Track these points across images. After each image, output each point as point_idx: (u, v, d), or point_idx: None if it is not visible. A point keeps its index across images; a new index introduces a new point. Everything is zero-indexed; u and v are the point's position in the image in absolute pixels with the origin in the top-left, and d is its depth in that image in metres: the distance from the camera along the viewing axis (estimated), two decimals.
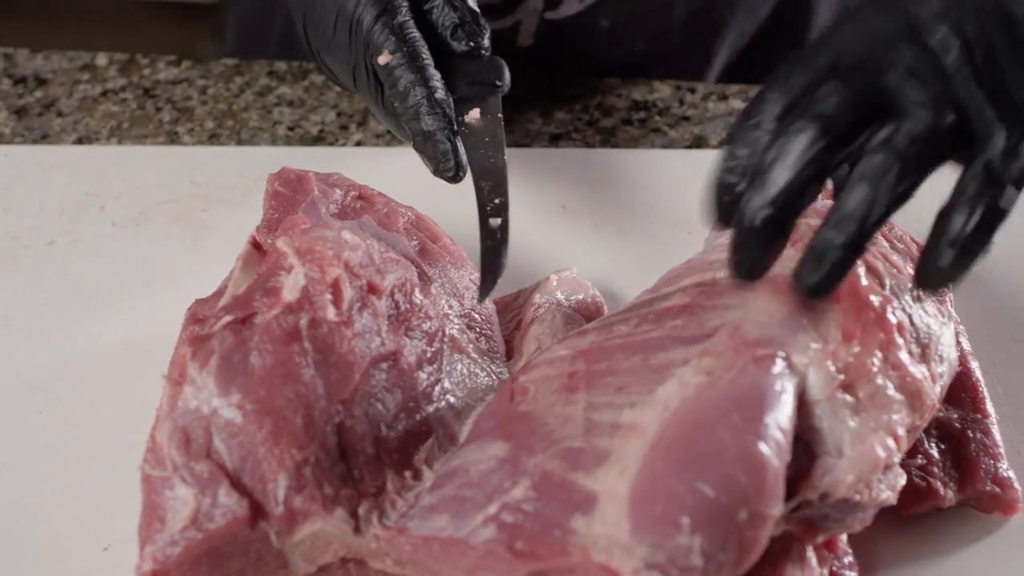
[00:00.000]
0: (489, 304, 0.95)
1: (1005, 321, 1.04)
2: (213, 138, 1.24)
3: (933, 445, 0.89)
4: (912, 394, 0.79)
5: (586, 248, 1.10)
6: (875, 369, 0.78)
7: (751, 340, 0.78)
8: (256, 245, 0.94)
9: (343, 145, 1.23)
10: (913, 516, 0.88)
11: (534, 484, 0.77)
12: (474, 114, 0.98)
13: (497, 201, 0.93)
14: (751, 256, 0.76)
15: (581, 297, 1.00)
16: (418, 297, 0.89)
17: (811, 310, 0.80)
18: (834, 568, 0.83)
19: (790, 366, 0.77)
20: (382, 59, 0.97)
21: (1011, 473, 0.90)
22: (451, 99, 0.98)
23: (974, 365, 0.93)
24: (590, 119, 1.26)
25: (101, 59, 1.32)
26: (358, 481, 0.81)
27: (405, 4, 0.99)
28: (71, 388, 0.99)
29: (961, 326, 0.95)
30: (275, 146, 1.22)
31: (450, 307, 0.92)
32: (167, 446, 0.81)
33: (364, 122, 1.25)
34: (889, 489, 0.78)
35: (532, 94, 1.28)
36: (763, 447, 0.73)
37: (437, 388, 0.87)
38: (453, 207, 1.11)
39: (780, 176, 0.74)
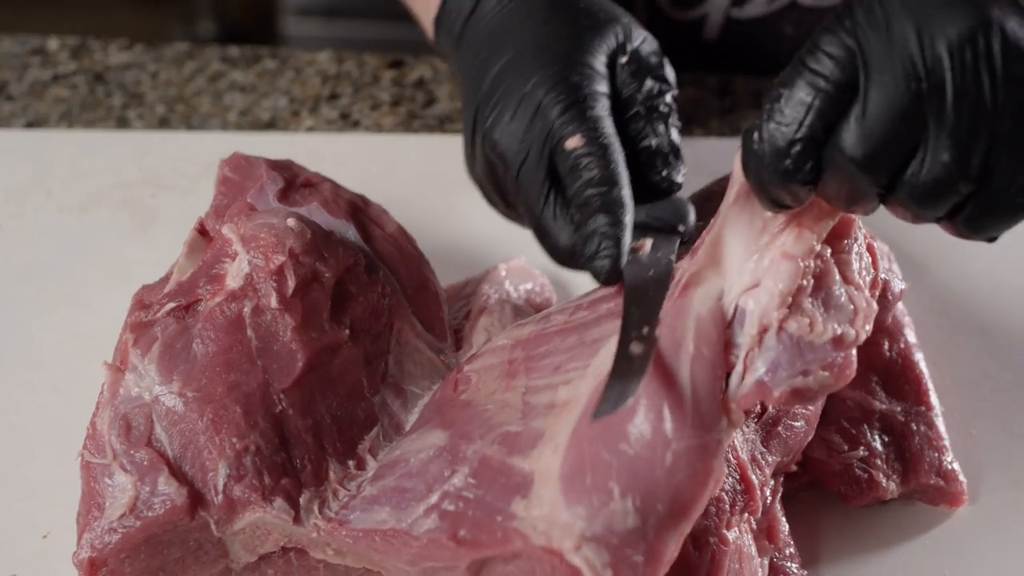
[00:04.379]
0: (438, 292, 0.95)
1: (955, 312, 1.04)
2: (163, 123, 1.23)
3: (876, 437, 0.89)
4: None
5: None
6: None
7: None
8: (202, 231, 0.93)
9: (294, 131, 1.22)
10: (857, 507, 0.88)
11: (473, 471, 0.77)
12: (646, 244, 0.86)
13: (645, 331, 0.78)
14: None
15: (530, 286, 1.00)
16: (364, 285, 0.89)
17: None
18: (775, 559, 0.83)
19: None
20: (570, 143, 0.85)
21: (956, 466, 0.90)
22: (632, 208, 0.85)
23: (918, 357, 0.93)
24: None
25: (52, 43, 1.31)
26: (299, 470, 0.80)
27: (603, 99, 0.87)
28: (14, 375, 0.98)
29: (908, 318, 0.95)
30: (226, 132, 1.21)
31: (397, 295, 0.92)
32: (107, 433, 0.80)
33: (316, 108, 1.24)
34: (847, 323, 0.74)
35: None
36: (680, 378, 0.72)
37: (382, 377, 0.87)
38: (403, 196, 1.11)
39: None
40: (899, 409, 0.90)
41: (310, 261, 0.86)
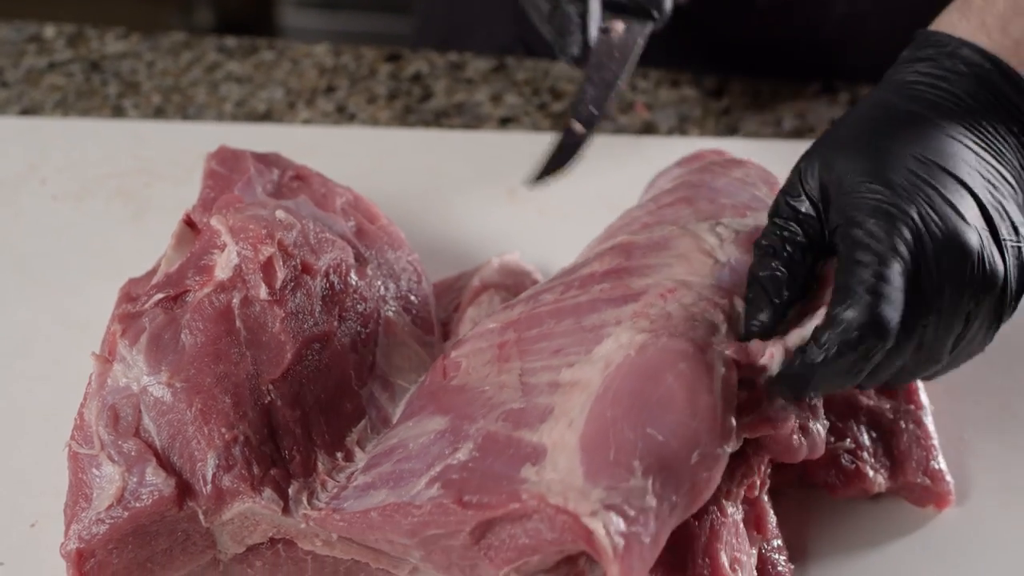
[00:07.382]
0: (427, 286, 0.95)
1: None
2: (159, 113, 1.23)
3: (863, 432, 0.89)
4: None
5: (531, 233, 1.10)
6: None
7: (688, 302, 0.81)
8: (190, 223, 0.93)
9: (290, 123, 1.22)
10: (846, 504, 0.88)
11: (478, 446, 0.77)
12: (617, 25, 0.90)
13: (593, 111, 0.85)
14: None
15: (522, 281, 1.00)
16: (353, 278, 0.89)
17: (736, 270, 0.83)
18: (763, 551, 0.83)
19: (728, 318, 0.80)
20: None
21: (943, 466, 0.89)
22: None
23: None
24: (541, 103, 1.25)
25: (49, 30, 1.31)
26: (288, 461, 0.80)
27: None
28: (3, 363, 0.98)
29: None
30: (221, 123, 1.21)
31: (386, 289, 0.92)
32: (95, 424, 0.80)
33: (312, 100, 1.24)
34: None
35: (482, 76, 1.27)
36: (712, 390, 0.75)
37: (371, 370, 0.87)
38: (398, 189, 1.11)
39: None
40: (887, 407, 0.90)
41: (300, 253, 0.86)
